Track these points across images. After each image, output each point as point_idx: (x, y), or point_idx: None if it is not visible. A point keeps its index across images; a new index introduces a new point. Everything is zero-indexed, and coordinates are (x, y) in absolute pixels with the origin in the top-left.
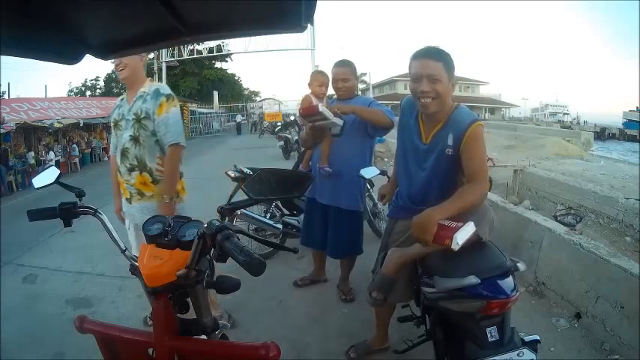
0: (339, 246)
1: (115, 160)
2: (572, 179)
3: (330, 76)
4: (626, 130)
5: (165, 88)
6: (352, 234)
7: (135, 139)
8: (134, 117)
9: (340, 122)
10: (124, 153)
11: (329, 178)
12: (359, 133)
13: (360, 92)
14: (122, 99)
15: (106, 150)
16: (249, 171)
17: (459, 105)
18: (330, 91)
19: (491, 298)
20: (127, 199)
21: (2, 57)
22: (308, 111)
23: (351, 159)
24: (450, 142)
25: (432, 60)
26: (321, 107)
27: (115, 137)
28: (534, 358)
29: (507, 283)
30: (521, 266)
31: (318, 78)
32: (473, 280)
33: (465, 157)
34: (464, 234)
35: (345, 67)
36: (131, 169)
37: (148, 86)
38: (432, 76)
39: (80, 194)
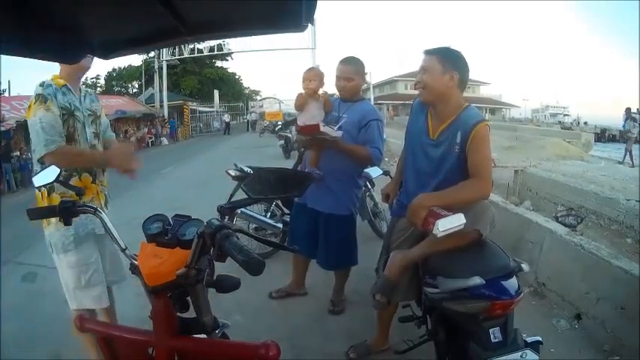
0: (330, 256)
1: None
2: (573, 180)
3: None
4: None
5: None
6: (344, 242)
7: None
8: (90, 112)
9: (339, 134)
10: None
11: (321, 183)
12: (350, 138)
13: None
14: (65, 87)
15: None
16: (249, 170)
17: (470, 105)
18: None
19: (495, 298)
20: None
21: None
22: (308, 130)
23: (343, 163)
24: (457, 139)
25: (427, 54)
26: (323, 127)
27: (84, 130)
28: (537, 359)
29: (511, 283)
30: (525, 267)
31: (306, 75)
32: (477, 280)
33: (470, 155)
34: (447, 222)
35: (349, 65)
36: (104, 169)
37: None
38: (423, 67)
39: (80, 193)
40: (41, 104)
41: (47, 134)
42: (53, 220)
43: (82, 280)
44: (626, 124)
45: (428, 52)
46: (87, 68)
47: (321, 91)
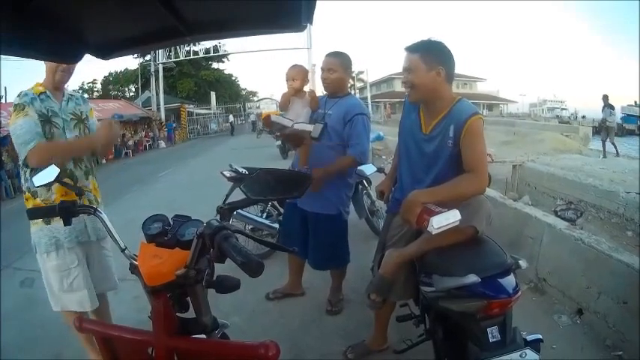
0: (320, 256)
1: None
2: (572, 174)
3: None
4: (624, 125)
5: None
6: (334, 242)
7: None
8: (73, 116)
9: (309, 127)
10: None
11: None
12: (336, 136)
13: (357, 91)
14: (44, 94)
15: None
16: (244, 171)
17: (462, 99)
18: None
19: (492, 297)
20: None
21: (2, 60)
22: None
23: (330, 162)
24: (450, 133)
25: (408, 52)
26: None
27: (64, 135)
28: (537, 358)
29: (509, 281)
30: (522, 263)
31: (289, 73)
32: (473, 278)
33: (464, 149)
34: (442, 219)
35: (333, 57)
36: (87, 173)
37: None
38: (406, 68)
39: (80, 193)
40: (20, 112)
41: (27, 134)
42: (39, 220)
43: (64, 284)
44: (603, 113)
45: (409, 50)
46: (69, 75)
47: (307, 89)
